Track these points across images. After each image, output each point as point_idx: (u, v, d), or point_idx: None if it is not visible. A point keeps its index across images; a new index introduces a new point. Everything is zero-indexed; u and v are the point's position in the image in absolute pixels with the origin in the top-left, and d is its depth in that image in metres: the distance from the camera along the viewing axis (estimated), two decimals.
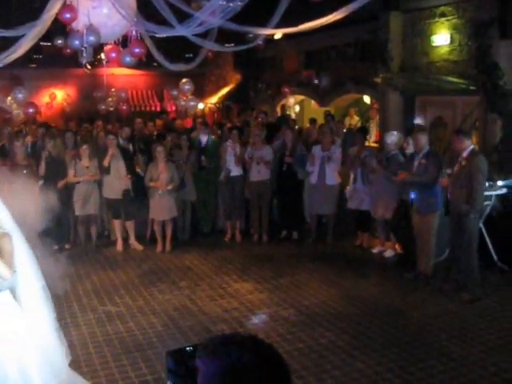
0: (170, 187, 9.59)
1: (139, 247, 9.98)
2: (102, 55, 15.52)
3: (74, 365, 5.81)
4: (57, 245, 9.36)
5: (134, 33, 8.57)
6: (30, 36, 8.35)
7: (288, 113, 17.35)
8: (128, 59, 8.33)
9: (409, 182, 8.16)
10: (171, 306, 7.41)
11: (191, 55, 16.33)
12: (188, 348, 2.31)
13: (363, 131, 10.86)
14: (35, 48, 10.32)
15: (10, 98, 14.56)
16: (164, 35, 8.40)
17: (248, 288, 8.01)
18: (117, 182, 9.74)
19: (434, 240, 8.02)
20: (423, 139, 8.00)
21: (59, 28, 9.77)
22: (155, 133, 12.16)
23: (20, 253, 4.36)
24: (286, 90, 17.36)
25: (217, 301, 7.56)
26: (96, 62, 16.74)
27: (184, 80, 14.37)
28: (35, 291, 4.60)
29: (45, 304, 4.70)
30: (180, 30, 7.66)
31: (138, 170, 10.20)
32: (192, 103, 14.30)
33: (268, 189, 10.38)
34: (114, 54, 8.35)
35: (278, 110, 18.70)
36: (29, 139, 11.18)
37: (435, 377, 5.51)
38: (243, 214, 10.55)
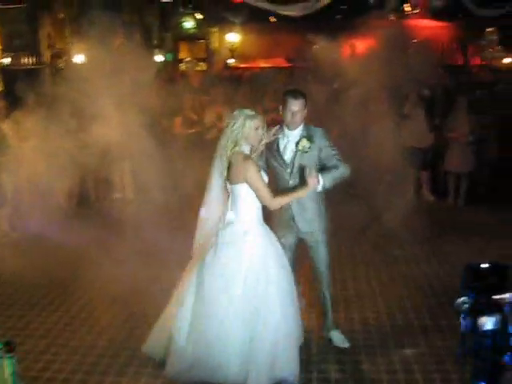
0: (469, 138, 9.29)
1: (430, 198, 9.92)
2: (405, 6, 15.33)
3: (356, 298, 6.12)
4: None
5: None
6: None
7: None
8: (435, 3, 8.08)
9: None
10: (458, 258, 7.16)
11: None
12: (484, 265, 2.27)
13: None
14: None
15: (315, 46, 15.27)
16: None
17: None
18: (415, 131, 9.60)
19: None
20: None
21: None
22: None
23: None
24: None
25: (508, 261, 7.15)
26: (399, 13, 16.59)
27: (490, 29, 13.38)
28: None
29: None
30: None
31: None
32: (498, 54, 13.25)
33: None
34: None
35: None
36: None
37: None
38: None
